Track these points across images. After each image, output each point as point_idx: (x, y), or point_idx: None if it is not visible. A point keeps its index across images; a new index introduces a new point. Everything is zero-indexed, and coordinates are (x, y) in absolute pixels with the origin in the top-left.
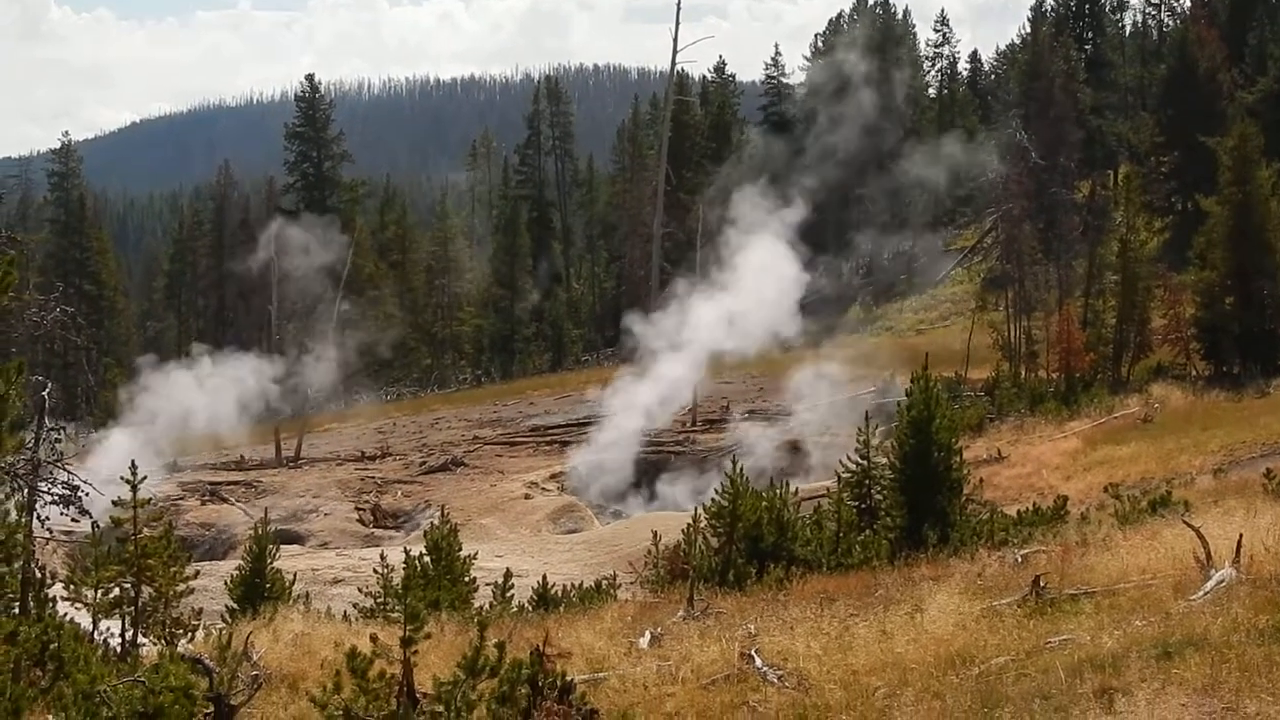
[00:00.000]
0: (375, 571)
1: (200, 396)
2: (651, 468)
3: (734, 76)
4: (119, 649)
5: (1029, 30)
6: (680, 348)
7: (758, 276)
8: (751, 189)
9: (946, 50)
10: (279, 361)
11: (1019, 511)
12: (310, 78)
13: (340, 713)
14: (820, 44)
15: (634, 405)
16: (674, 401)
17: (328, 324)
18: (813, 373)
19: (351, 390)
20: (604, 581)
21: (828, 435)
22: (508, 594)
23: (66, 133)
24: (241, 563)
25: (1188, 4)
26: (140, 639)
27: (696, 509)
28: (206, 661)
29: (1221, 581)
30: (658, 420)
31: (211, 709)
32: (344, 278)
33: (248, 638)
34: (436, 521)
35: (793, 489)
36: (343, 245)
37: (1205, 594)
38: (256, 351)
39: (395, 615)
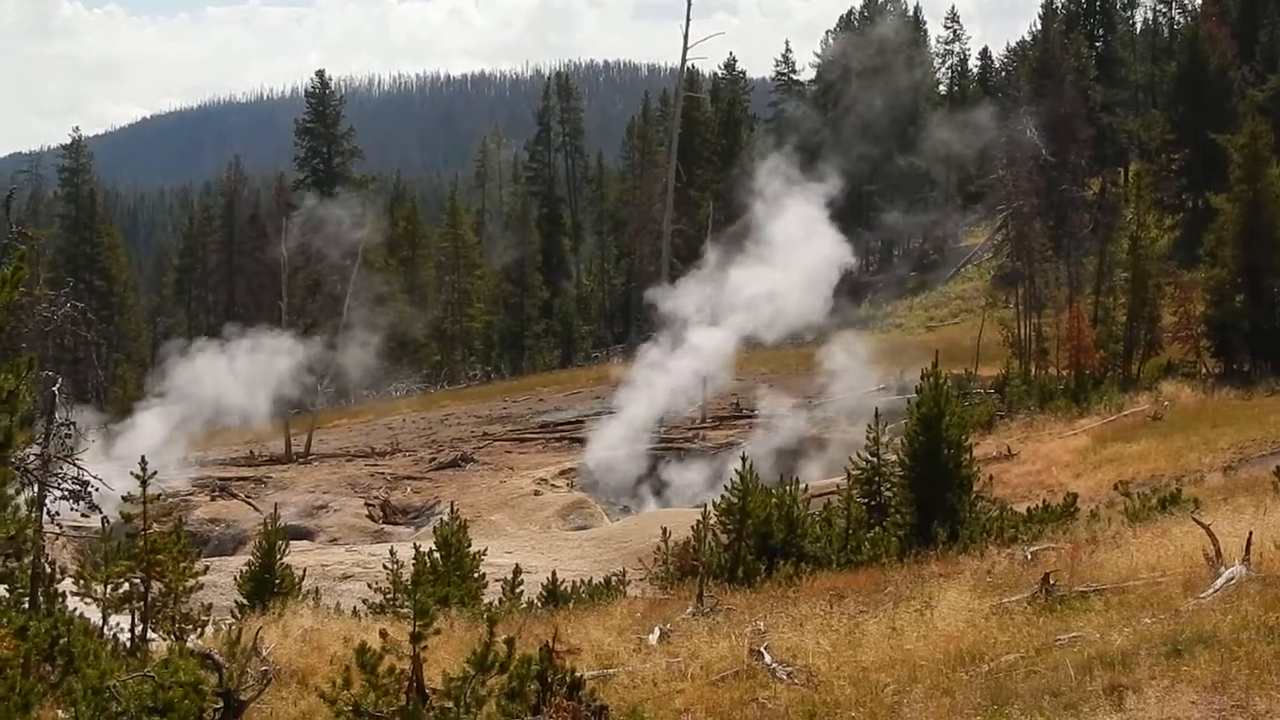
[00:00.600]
0: (385, 567)
1: (231, 377)
2: (661, 464)
3: (744, 73)
4: (128, 644)
5: (1040, 27)
6: (714, 318)
7: (798, 250)
8: (782, 160)
9: (957, 47)
10: (301, 348)
11: (1029, 509)
12: (321, 74)
13: (349, 708)
14: (831, 40)
15: (658, 387)
16: (707, 378)
17: (338, 318)
18: (822, 370)
19: (362, 385)
20: (613, 578)
21: (837, 432)
22: (517, 590)
23: (77, 128)
24: (251, 558)
25: (1199, 1)
26: (150, 634)
27: (706, 506)
28: (216, 657)
29: (1231, 579)
30: (694, 398)
31: (221, 704)
32: (354, 273)
33: (257, 633)
34: (446, 518)
35: (802, 486)
36: (368, 223)
37: (1215, 591)
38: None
39: (405, 611)
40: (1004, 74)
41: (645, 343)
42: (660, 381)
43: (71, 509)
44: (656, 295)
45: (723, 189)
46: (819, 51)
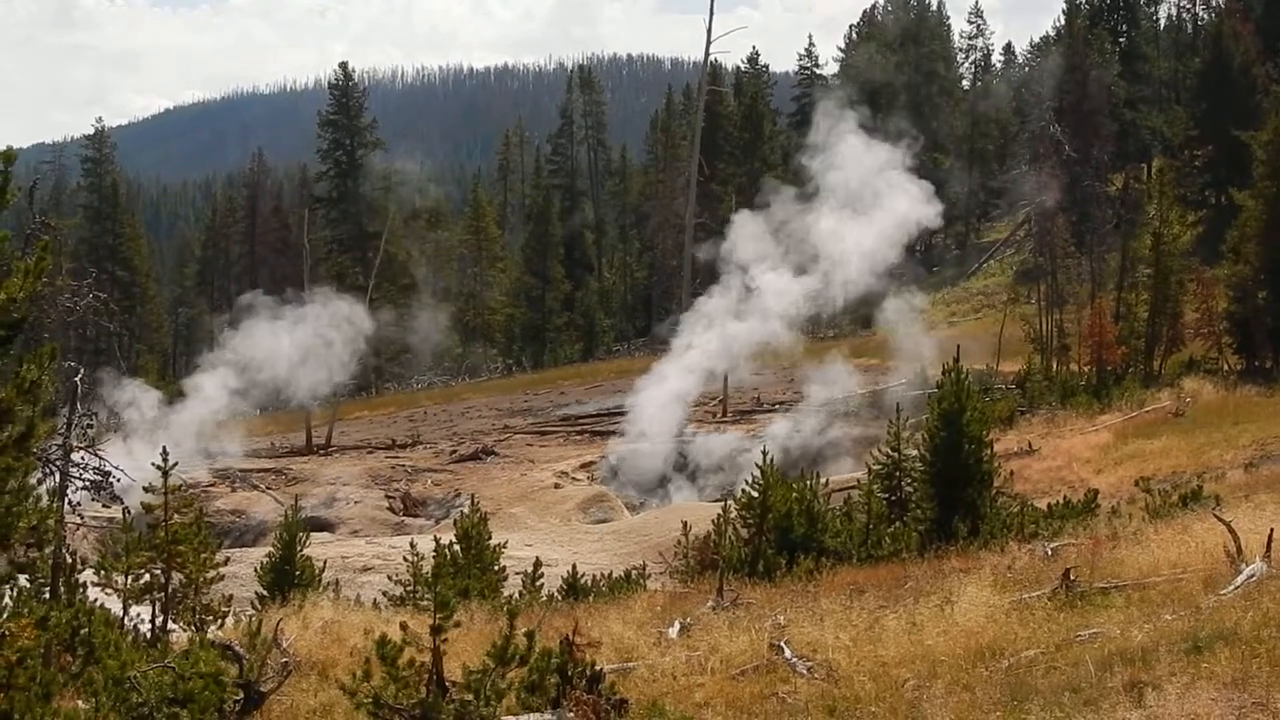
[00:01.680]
0: (405, 559)
1: (290, 343)
2: (682, 457)
3: (767, 67)
4: (149, 635)
5: (1063, 23)
6: (784, 269)
7: (878, 202)
8: (853, 112)
9: (980, 42)
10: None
11: (1049, 504)
12: (344, 65)
13: (369, 700)
14: (855, 34)
15: (698, 358)
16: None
17: (361, 309)
18: (842, 365)
19: (383, 378)
20: (633, 571)
21: (857, 427)
22: (537, 583)
23: (100, 119)
24: (272, 550)
25: None
26: (170, 625)
27: (727, 500)
28: (236, 648)
29: (1252, 576)
30: (715, 391)
31: (241, 695)
32: (376, 265)
33: (277, 625)
34: (466, 510)
35: (823, 480)
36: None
37: (1236, 588)
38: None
39: (425, 603)
40: (1027, 69)
41: (697, 299)
42: (706, 349)
43: (93, 499)
44: (708, 250)
45: (745, 181)
46: (842, 46)
